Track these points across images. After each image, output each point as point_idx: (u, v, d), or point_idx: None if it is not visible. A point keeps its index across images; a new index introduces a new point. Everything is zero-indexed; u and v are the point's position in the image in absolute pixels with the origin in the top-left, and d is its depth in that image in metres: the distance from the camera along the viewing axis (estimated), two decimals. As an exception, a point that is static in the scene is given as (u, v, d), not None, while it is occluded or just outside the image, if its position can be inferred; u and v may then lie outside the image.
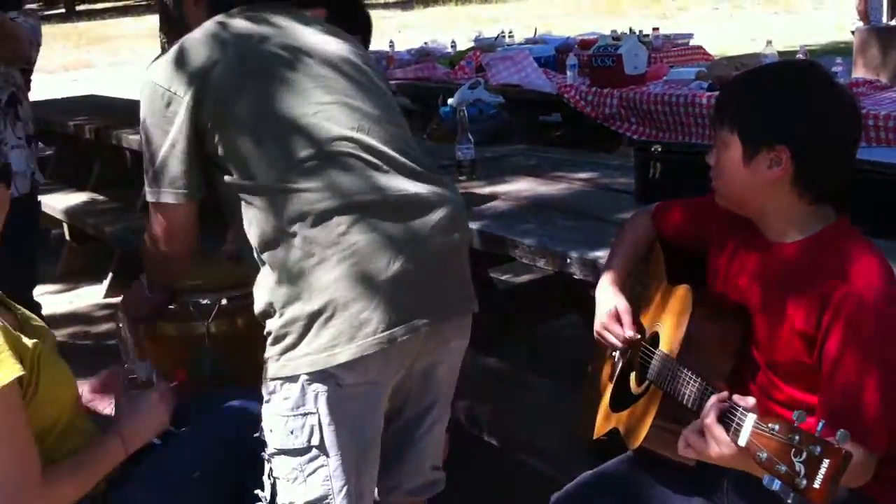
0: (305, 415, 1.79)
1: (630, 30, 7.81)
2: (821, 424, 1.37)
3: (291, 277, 1.78)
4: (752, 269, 1.85)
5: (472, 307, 1.99)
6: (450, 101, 6.06)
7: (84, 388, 1.96)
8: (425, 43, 9.48)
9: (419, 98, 6.81)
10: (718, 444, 1.48)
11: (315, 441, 1.80)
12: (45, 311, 3.65)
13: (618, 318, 1.98)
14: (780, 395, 1.80)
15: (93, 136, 5.16)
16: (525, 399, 2.63)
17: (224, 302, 2.32)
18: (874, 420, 1.63)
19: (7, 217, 1.80)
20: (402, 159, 1.90)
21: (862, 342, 1.64)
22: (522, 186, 3.32)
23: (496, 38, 8.94)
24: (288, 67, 1.88)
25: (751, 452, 1.41)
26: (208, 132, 1.83)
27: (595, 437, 2.08)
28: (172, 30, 7.19)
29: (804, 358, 1.73)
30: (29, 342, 1.66)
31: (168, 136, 1.83)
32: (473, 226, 2.86)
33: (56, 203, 5.07)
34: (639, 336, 1.97)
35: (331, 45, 1.98)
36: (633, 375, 1.99)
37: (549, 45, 7.49)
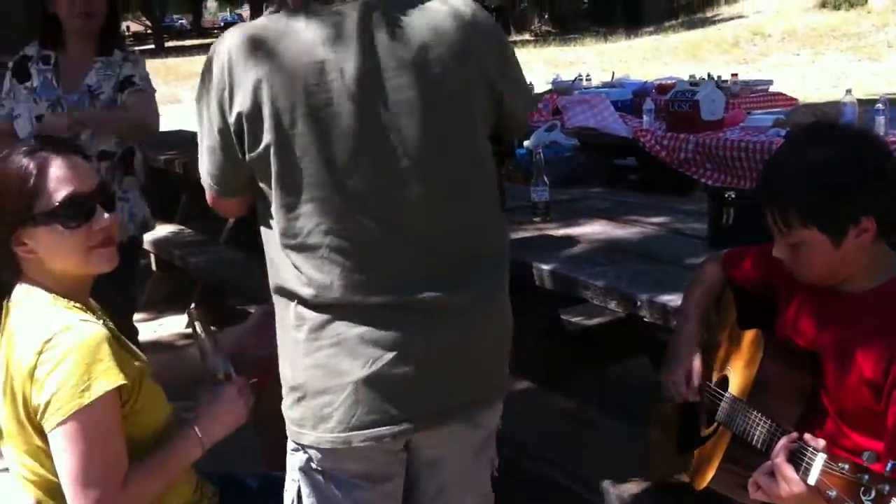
0: (293, 479, 1.83)
1: (709, 75, 7.83)
2: (890, 465, 1.39)
3: (285, 337, 1.78)
4: (822, 317, 1.88)
5: (478, 411, 1.83)
6: (526, 143, 6.16)
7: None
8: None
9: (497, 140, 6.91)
10: (789, 484, 1.51)
11: None
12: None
13: (688, 377, 2.02)
14: (848, 442, 1.82)
15: (181, 170, 5.35)
16: (590, 438, 2.66)
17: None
18: None
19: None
20: (424, 258, 1.72)
21: None
22: (596, 229, 3.37)
23: (573, 82, 9.02)
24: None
25: (820, 491, 1.44)
26: None
27: (662, 477, 2.11)
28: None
29: (872, 405, 1.76)
30: (136, 361, 1.78)
31: None
32: (546, 266, 2.93)
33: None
34: (698, 398, 2.00)
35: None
36: (703, 418, 2.02)
37: (626, 88, 7.53)
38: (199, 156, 1.78)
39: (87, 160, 1.88)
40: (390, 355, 1.69)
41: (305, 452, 1.78)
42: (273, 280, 1.78)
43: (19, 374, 1.69)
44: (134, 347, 1.87)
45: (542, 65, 18.15)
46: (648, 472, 2.22)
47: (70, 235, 1.76)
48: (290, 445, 1.82)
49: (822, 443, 1.51)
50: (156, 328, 5.10)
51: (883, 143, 1.86)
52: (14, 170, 1.75)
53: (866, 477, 1.38)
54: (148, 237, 5.22)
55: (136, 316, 5.11)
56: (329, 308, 1.69)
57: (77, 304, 1.79)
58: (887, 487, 1.35)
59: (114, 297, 3.32)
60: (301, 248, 1.70)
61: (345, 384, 1.69)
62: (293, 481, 1.83)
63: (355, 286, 1.69)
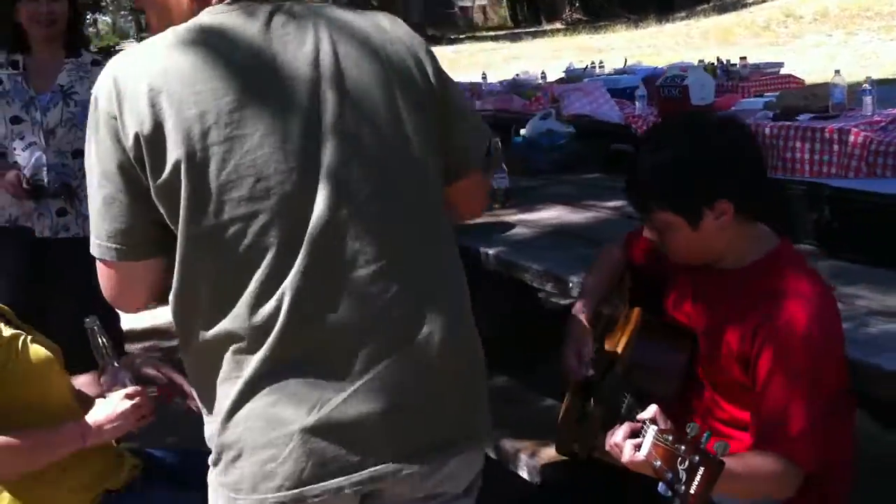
0: None
1: (718, 60, 7.80)
2: (705, 436, 1.44)
3: (215, 386, 1.52)
4: (699, 295, 1.93)
5: (457, 449, 1.57)
6: (522, 131, 6.20)
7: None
8: (517, 75, 9.66)
9: (499, 128, 6.97)
10: (626, 456, 1.57)
11: None
12: (127, 327, 3.94)
13: (579, 355, 2.08)
14: (723, 413, 1.87)
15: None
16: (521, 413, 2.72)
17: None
18: (800, 437, 1.70)
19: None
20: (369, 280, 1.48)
21: (790, 367, 1.72)
22: (551, 214, 3.44)
23: (585, 69, 9.05)
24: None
25: (649, 462, 1.50)
26: None
27: (561, 451, 2.17)
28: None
29: (742, 378, 1.81)
30: (8, 331, 1.94)
31: None
32: (491, 250, 3.00)
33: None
34: (591, 373, 2.06)
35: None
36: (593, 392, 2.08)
37: (636, 75, 7.54)
38: (90, 223, 1.50)
39: None
40: (343, 395, 1.47)
41: None
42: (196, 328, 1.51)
43: None
44: (37, 335, 2.00)
45: (572, 52, 18.13)
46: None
47: None
48: None
49: (651, 412, 1.56)
50: (155, 316, 5.23)
51: (741, 130, 1.90)
52: None
53: (682, 448, 1.43)
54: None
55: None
56: (269, 349, 1.46)
57: None
58: (697, 458, 1.41)
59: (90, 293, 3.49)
60: (234, 278, 1.46)
61: (291, 433, 1.46)
62: None
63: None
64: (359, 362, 1.48)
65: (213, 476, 1.57)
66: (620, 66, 9.08)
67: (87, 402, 2.04)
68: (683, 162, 1.81)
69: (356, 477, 1.49)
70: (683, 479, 1.41)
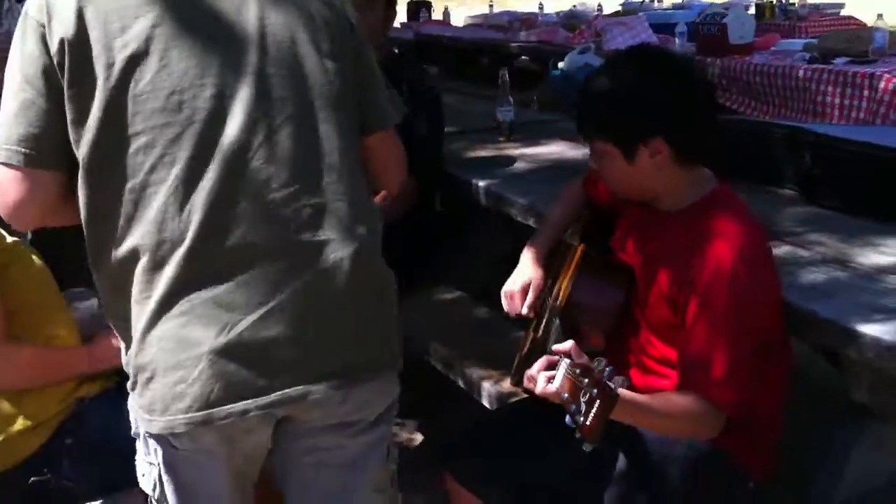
0: (150, 464, 1.65)
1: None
2: (606, 371, 1.49)
3: (129, 308, 1.54)
4: (640, 234, 1.97)
5: (367, 374, 1.61)
6: (560, 64, 6.15)
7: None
8: (574, 6, 9.53)
9: (540, 61, 6.91)
10: (539, 387, 1.62)
11: (156, 493, 1.67)
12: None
13: (525, 291, 2.13)
14: (655, 352, 1.92)
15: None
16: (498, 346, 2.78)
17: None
18: (720, 379, 1.73)
19: None
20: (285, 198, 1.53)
21: (714, 308, 1.74)
22: (552, 150, 3.45)
23: (642, 3, 8.89)
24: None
25: (558, 394, 1.55)
26: None
27: (513, 383, 2.23)
28: None
29: (670, 318, 1.84)
30: (10, 238, 2.07)
31: None
32: (482, 183, 3.04)
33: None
34: (532, 315, 2.11)
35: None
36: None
37: (692, 10, 7.39)
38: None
39: None
40: (252, 317, 1.50)
41: (160, 440, 1.59)
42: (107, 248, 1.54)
43: None
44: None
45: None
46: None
47: None
48: (141, 430, 1.63)
49: (566, 347, 1.60)
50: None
51: (693, 73, 1.91)
52: None
53: (586, 381, 1.48)
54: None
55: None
56: (178, 266, 1.49)
57: None
58: (595, 390, 1.46)
59: None
60: (142, 190, 1.49)
61: (200, 354, 1.49)
62: (152, 465, 1.65)
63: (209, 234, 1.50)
64: (268, 284, 1.50)
65: (132, 400, 1.60)
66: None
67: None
68: (624, 94, 1.85)
69: (263, 400, 1.51)
70: (583, 411, 1.47)
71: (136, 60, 1.47)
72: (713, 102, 1.95)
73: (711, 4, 7.73)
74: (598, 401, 1.46)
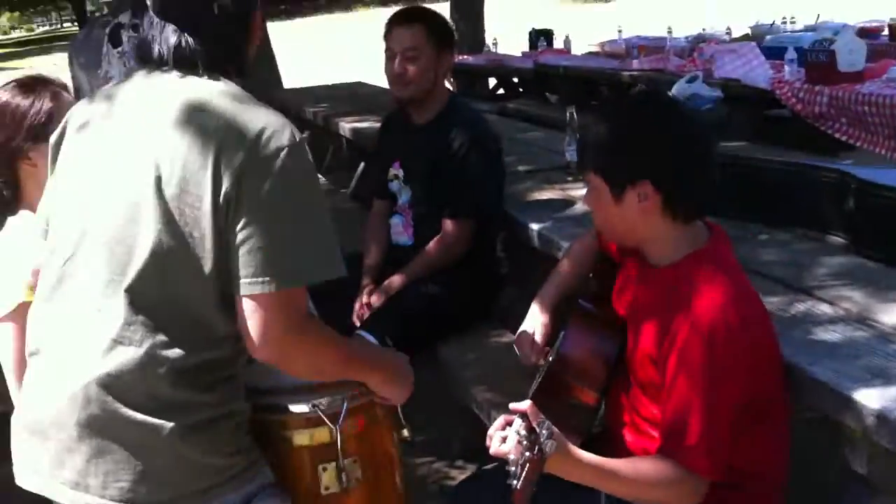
0: None
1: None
2: (545, 432, 1.51)
3: None
4: (633, 288, 1.96)
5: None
6: (670, 93, 6.07)
7: None
8: (703, 29, 9.35)
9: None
10: (492, 447, 1.64)
11: None
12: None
13: (529, 341, 2.15)
14: (646, 411, 1.90)
15: (322, 123, 5.80)
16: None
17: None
18: (696, 444, 1.71)
19: None
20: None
21: (690, 369, 1.73)
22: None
23: (771, 25, 8.64)
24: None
25: (506, 455, 1.56)
26: None
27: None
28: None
29: (655, 379, 1.83)
30: None
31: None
32: (535, 226, 3.07)
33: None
34: (542, 362, 2.12)
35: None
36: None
37: (817, 34, 7.16)
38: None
39: None
40: (36, 404, 1.69)
41: None
42: None
43: None
44: None
45: (793, 3, 17.12)
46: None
47: None
48: None
49: (524, 404, 1.61)
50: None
51: (693, 122, 1.89)
52: (26, 101, 2.19)
53: (525, 444, 1.50)
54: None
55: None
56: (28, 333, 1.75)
57: None
58: (528, 454, 1.47)
59: None
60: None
61: (15, 423, 1.73)
62: None
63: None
64: (54, 374, 1.63)
65: None
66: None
67: None
68: (621, 132, 1.87)
69: (37, 483, 1.66)
70: (517, 475, 1.48)
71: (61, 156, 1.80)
72: (711, 158, 1.91)
73: (844, 25, 7.47)
74: (528, 464, 1.47)
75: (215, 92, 1.63)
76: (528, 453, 1.47)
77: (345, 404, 1.82)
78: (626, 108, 1.99)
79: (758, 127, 6.02)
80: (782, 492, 1.90)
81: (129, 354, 1.58)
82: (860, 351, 1.91)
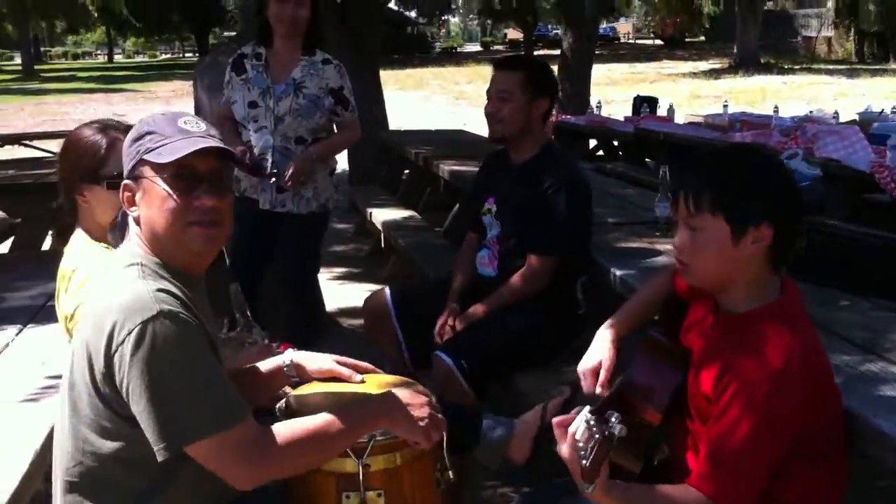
0: None
1: None
2: (615, 418, 1.62)
3: None
4: (698, 331, 2.04)
5: None
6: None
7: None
8: (810, 112, 9.34)
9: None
10: (559, 442, 1.73)
11: None
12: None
13: (595, 372, 2.24)
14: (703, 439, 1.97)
15: (423, 164, 5.99)
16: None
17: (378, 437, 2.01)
18: (730, 475, 1.80)
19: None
20: None
21: (748, 406, 1.79)
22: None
23: (880, 113, 8.59)
24: None
25: (577, 444, 1.66)
26: None
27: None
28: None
29: (710, 414, 1.90)
30: None
31: None
32: (619, 272, 3.16)
33: (381, 216, 6.00)
34: (605, 393, 2.19)
35: None
36: None
37: (928, 125, 7.12)
38: None
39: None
40: None
41: None
42: None
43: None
44: None
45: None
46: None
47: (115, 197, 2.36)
48: None
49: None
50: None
51: (789, 171, 2.00)
52: (91, 141, 2.37)
53: (595, 428, 1.61)
54: (380, 218, 5.95)
55: (373, 286, 5.88)
56: None
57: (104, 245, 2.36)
58: (598, 435, 1.60)
59: (298, 259, 4.16)
60: None
61: None
62: None
63: None
64: None
65: None
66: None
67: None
68: (749, 175, 1.91)
69: None
70: (587, 455, 1.61)
71: None
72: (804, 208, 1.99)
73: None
74: (598, 444, 1.58)
75: (122, 259, 1.91)
76: (597, 435, 1.58)
77: (371, 441, 1.98)
78: (741, 153, 2.02)
79: (855, 209, 6.01)
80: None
81: None
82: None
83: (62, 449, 1.90)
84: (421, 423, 1.96)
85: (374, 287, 6.17)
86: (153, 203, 1.85)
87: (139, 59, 63.23)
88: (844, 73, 23.29)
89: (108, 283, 1.87)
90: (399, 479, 2.03)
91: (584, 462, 1.59)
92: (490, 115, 3.33)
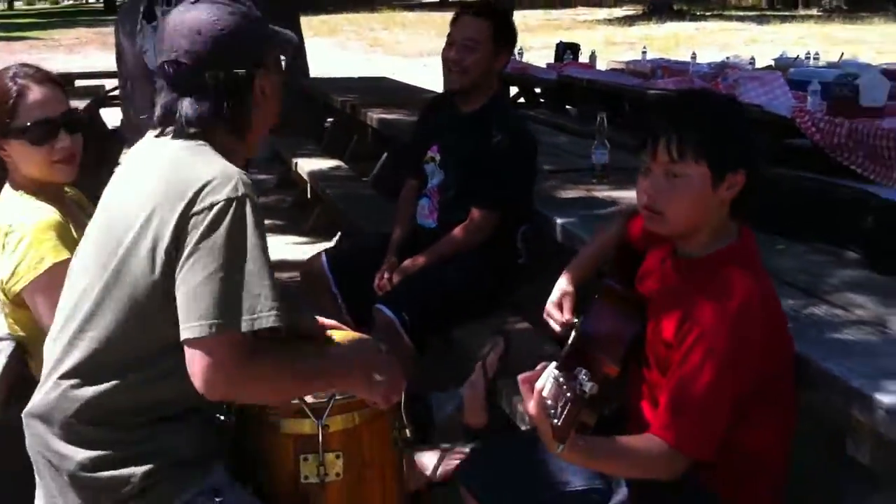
0: None
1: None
2: (584, 376, 1.61)
3: None
4: (656, 277, 2.04)
5: None
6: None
7: None
8: (727, 58, 9.46)
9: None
10: (526, 399, 1.73)
11: None
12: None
13: (560, 305, 2.23)
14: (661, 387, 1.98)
15: (351, 112, 5.89)
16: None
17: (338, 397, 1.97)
18: (691, 421, 1.81)
19: None
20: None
21: (710, 353, 1.81)
22: (640, 194, 3.51)
23: (795, 59, 8.75)
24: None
25: (545, 402, 1.65)
26: None
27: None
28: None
29: (670, 360, 1.91)
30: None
31: None
32: (560, 221, 3.16)
33: (306, 166, 5.89)
34: (576, 320, 2.19)
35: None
36: None
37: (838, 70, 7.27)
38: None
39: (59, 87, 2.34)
40: None
41: None
42: None
43: None
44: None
45: (817, 41, 17.25)
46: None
47: (35, 151, 2.25)
48: None
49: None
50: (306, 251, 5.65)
51: None
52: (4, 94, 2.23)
53: (565, 386, 1.60)
54: (306, 168, 5.85)
55: (299, 239, 5.78)
56: None
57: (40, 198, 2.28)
58: (569, 394, 1.58)
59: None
60: None
61: None
62: None
63: None
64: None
65: None
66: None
67: None
68: (730, 121, 1.93)
69: None
70: (558, 414, 1.59)
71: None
72: None
73: (869, 66, 7.58)
74: (570, 402, 1.57)
75: (174, 149, 1.81)
76: (568, 394, 1.56)
77: (331, 401, 1.94)
78: (712, 101, 2.02)
79: (777, 154, 6.12)
80: (784, 479, 1.98)
81: None
82: (872, 352, 2.00)
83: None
84: (382, 384, 1.93)
85: (299, 239, 6.17)
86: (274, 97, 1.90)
87: (41, 5, 60.80)
88: (755, 19, 23.62)
89: (178, 155, 1.79)
90: (358, 440, 2.00)
91: (555, 421, 1.58)
92: (453, 62, 3.22)
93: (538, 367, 1.74)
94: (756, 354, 1.81)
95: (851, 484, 1.98)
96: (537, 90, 8.99)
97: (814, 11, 25.95)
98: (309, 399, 1.94)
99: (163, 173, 1.78)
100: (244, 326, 1.68)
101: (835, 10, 24.23)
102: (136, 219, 1.76)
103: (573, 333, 2.08)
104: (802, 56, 8.82)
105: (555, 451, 1.66)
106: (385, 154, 5.73)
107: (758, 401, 1.86)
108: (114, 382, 1.79)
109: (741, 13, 26.12)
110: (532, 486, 2.10)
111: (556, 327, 2.24)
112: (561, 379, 1.62)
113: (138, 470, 1.79)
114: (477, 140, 3.20)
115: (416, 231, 3.38)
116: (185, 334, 1.68)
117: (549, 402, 1.63)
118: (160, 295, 1.74)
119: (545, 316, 2.27)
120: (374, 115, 5.56)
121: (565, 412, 1.57)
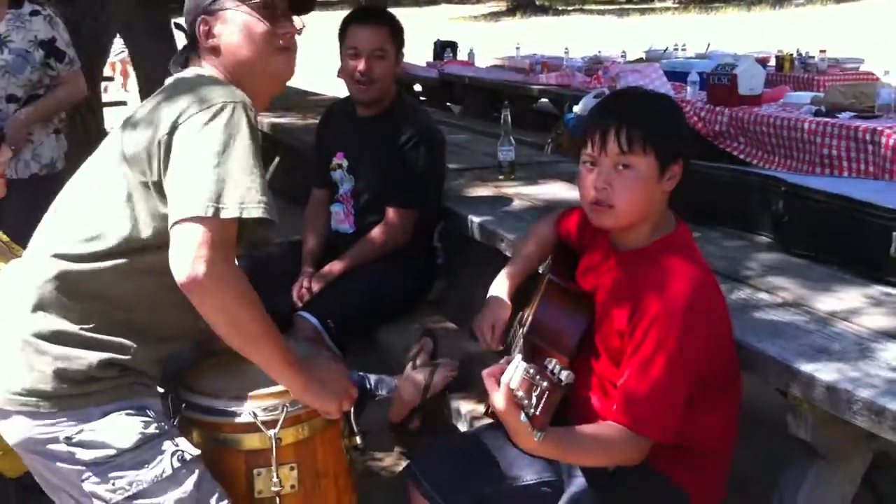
0: None
1: (798, 51, 7.69)
2: (557, 367, 1.62)
3: None
4: (598, 272, 2.09)
5: None
6: (575, 108, 6.30)
7: None
8: (599, 52, 9.70)
9: (559, 104, 7.11)
10: (493, 393, 1.73)
11: None
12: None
13: (491, 327, 2.26)
14: (615, 379, 2.02)
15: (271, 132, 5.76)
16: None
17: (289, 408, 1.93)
18: (650, 406, 1.86)
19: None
20: None
21: (662, 340, 1.85)
22: (548, 190, 3.58)
23: (664, 51, 9.03)
24: None
25: (514, 394, 1.66)
26: None
27: (486, 412, 2.35)
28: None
29: (623, 348, 1.96)
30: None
31: None
32: (477, 219, 3.18)
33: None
34: (501, 348, 2.24)
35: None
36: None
37: (712, 61, 7.54)
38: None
39: None
40: None
41: None
42: None
43: None
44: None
45: (684, 31, 17.81)
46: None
47: None
48: None
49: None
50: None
51: None
52: None
53: (538, 377, 1.61)
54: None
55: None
56: None
57: None
58: (545, 383, 1.59)
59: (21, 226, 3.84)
60: None
61: None
62: None
63: None
64: None
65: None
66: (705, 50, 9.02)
67: None
68: (673, 114, 2.02)
69: None
70: (534, 404, 1.60)
71: None
72: None
73: (735, 55, 7.88)
74: (547, 392, 1.58)
75: (192, 73, 1.94)
76: (544, 383, 1.58)
77: (283, 413, 1.91)
78: (652, 95, 2.11)
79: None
80: (731, 454, 2.06)
81: None
82: (801, 332, 2.09)
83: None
84: (335, 394, 1.92)
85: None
86: (239, 31, 1.92)
87: None
88: (615, 13, 24.32)
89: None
90: (311, 450, 1.98)
91: (533, 412, 1.59)
92: (362, 73, 3.19)
93: (502, 362, 1.76)
94: (705, 336, 1.88)
95: (793, 459, 2.07)
96: (417, 88, 9.03)
97: (669, 3, 26.82)
98: (259, 413, 1.91)
99: (173, 91, 1.86)
100: (234, 212, 1.68)
101: (691, 1, 25.11)
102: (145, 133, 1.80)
103: (521, 331, 2.11)
104: (671, 48, 9.11)
105: (527, 444, 1.67)
106: (276, 159, 5.65)
107: (708, 385, 1.92)
108: (100, 264, 1.80)
109: (602, 7, 26.77)
110: (482, 482, 2.12)
111: (486, 347, 2.26)
112: (531, 370, 1.64)
113: (93, 357, 1.79)
114: (386, 143, 3.19)
115: (331, 238, 3.35)
116: (175, 215, 1.69)
117: (520, 393, 1.64)
118: (152, 185, 1.78)
119: (476, 330, 2.28)
120: (265, 120, 5.47)
121: (543, 401, 1.58)
